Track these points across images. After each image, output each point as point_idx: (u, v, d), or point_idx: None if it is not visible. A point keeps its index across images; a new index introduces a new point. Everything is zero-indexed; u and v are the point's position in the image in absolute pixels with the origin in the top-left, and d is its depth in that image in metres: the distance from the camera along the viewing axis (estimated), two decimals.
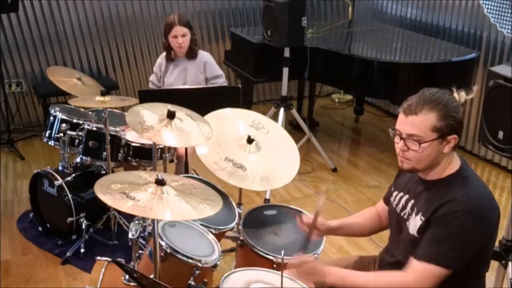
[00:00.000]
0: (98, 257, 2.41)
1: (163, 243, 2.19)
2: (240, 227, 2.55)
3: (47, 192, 3.45)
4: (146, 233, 2.53)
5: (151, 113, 2.38)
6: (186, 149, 3.45)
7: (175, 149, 3.52)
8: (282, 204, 2.81)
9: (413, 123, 1.81)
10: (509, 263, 2.48)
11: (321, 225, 2.20)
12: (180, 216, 2.06)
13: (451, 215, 1.78)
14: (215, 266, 2.30)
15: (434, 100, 1.80)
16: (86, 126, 3.41)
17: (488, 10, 4.54)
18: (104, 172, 3.53)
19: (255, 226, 2.57)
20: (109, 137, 3.31)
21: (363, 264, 2.26)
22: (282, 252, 1.81)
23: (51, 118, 3.56)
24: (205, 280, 2.30)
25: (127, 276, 2.23)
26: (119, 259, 2.07)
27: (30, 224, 3.69)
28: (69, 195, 3.33)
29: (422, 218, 1.86)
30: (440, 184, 1.87)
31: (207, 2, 5.54)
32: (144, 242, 2.65)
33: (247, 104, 4.80)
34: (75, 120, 3.50)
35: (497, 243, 2.52)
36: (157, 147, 3.33)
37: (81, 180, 3.48)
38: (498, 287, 2.59)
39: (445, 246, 1.78)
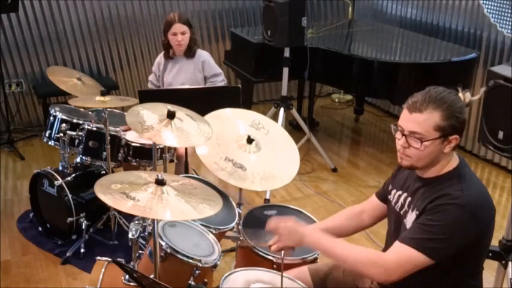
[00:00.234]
0: (98, 257, 2.41)
1: (163, 243, 2.19)
2: (240, 227, 2.55)
3: (47, 192, 3.45)
4: (146, 233, 2.53)
5: (151, 113, 2.38)
6: (186, 149, 3.45)
7: (175, 149, 3.52)
8: (282, 204, 2.81)
9: (417, 121, 1.81)
10: (509, 263, 2.48)
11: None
12: (180, 216, 2.06)
13: (442, 207, 1.78)
14: (215, 266, 2.30)
15: (440, 99, 1.80)
16: (86, 126, 3.41)
17: (488, 10, 4.54)
18: (104, 172, 3.53)
19: (255, 226, 2.57)
20: (109, 137, 3.31)
21: None
22: (282, 252, 1.82)
23: (51, 118, 3.56)
24: (205, 280, 2.30)
25: (127, 276, 2.23)
26: (119, 259, 2.07)
27: (30, 224, 3.69)
28: (69, 195, 3.33)
29: (417, 213, 1.87)
30: (437, 181, 1.87)
31: (207, 2, 5.54)
32: (144, 242, 2.65)
33: (247, 104, 4.80)
34: (75, 120, 3.50)
35: (497, 243, 2.52)
36: (157, 147, 3.33)
37: (81, 180, 3.48)
38: (498, 287, 2.59)
39: (429, 235, 1.77)
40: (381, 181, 4.37)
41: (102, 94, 3.18)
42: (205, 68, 3.74)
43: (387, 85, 4.37)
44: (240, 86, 3.99)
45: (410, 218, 1.91)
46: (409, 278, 1.82)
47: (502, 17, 4.43)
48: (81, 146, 3.42)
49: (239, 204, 2.75)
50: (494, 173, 4.59)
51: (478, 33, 4.66)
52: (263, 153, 2.55)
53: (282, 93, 4.42)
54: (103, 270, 2.31)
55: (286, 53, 4.24)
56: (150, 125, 2.31)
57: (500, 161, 4.61)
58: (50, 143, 3.58)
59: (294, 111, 4.61)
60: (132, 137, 3.47)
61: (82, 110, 3.68)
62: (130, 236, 2.48)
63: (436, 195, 1.82)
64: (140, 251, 2.54)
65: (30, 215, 3.69)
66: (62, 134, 3.41)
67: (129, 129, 3.45)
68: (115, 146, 3.44)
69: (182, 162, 3.51)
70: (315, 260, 2.41)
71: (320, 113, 5.77)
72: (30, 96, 5.22)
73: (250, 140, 2.54)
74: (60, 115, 3.52)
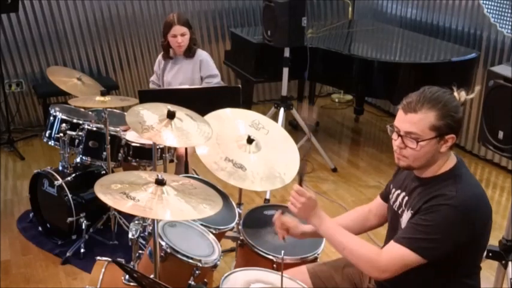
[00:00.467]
0: (98, 257, 2.41)
1: (163, 243, 2.19)
2: (240, 227, 2.55)
3: (47, 192, 3.45)
4: (146, 233, 2.53)
5: (151, 113, 2.38)
6: (186, 149, 3.45)
7: (175, 149, 3.52)
8: (282, 204, 2.81)
9: (412, 121, 1.82)
10: (509, 263, 2.48)
11: (295, 229, 2.19)
12: (180, 216, 2.06)
13: (435, 207, 1.79)
14: (215, 266, 2.30)
15: (434, 99, 1.81)
16: (86, 126, 3.41)
17: (488, 10, 4.54)
18: (104, 172, 3.53)
19: (255, 226, 2.57)
20: (109, 137, 3.31)
21: None
22: (282, 252, 1.82)
23: (51, 118, 3.56)
24: (205, 280, 2.30)
25: (127, 276, 2.23)
26: (119, 259, 2.07)
27: (30, 224, 3.69)
28: (69, 195, 3.33)
29: (412, 212, 1.88)
30: (433, 181, 1.87)
31: (207, 2, 5.54)
32: (144, 242, 2.64)
33: (247, 104, 4.80)
34: (75, 120, 3.50)
35: (497, 243, 2.52)
36: (157, 147, 3.33)
37: (81, 180, 3.48)
38: (498, 287, 2.59)
39: (422, 234, 1.78)
40: (381, 181, 4.39)
41: (102, 94, 3.18)
42: (202, 68, 3.74)
43: (387, 85, 4.37)
44: (240, 86, 3.99)
45: (405, 217, 1.92)
46: (405, 277, 1.83)
47: (502, 17, 4.43)
48: (81, 146, 3.42)
49: (239, 204, 2.75)
50: (494, 173, 4.58)
51: (478, 33, 4.66)
52: (263, 153, 2.55)
53: (282, 93, 4.43)
54: (103, 270, 2.31)
55: (286, 53, 4.24)
56: (150, 125, 2.31)
57: (500, 161, 4.61)
58: (50, 143, 3.59)
59: (294, 111, 4.61)
60: (132, 137, 3.47)
61: (82, 110, 3.68)
62: (130, 236, 2.48)
63: (431, 195, 1.83)
64: (140, 251, 2.54)
65: (30, 215, 3.69)
66: (62, 134, 3.41)
67: (129, 129, 3.45)
68: (115, 146, 3.44)
69: (182, 162, 3.51)
70: (314, 260, 2.42)
71: (320, 113, 5.76)
72: (30, 96, 5.22)
73: (250, 140, 2.53)
74: (60, 115, 3.52)
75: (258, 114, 2.75)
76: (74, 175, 3.44)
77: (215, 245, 2.37)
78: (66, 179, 3.38)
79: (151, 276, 2.05)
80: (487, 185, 4.38)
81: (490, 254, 2.46)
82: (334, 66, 4.55)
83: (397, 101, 1.90)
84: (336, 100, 6.24)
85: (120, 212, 3.45)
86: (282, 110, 4.36)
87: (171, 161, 3.55)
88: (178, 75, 3.77)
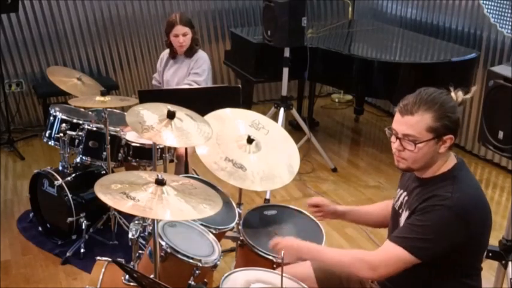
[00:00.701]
0: (98, 257, 2.41)
1: (163, 243, 2.19)
2: (240, 227, 2.55)
3: (47, 192, 3.45)
4: (146, 233, 2.53)
5: (151, 113, 2.38)
6: (186, 149, 3.45)
7: (175, 149, 3.52)
8: (282, 204, 2.81)
9: (409, 124, 1.82)
10: (509, 263, 2.48)
11: (327, 207, 2.28)
12: (180, 216, 2.06)
13: (431, 208, 1.80)
14: (215, 266, 2.30)
15: (431, 100, 1.81)
16: (86, 126, 3.41)
17: (488, 10, 4.54)
18: (104, 172, 3.53)
19: (255, 226, 2.57)
20: (109, 137, 3.31)
21: None
22: (282, 252, 1.82)
23: (51, 118, 3.56)
24: (205, 280, 2.30)
25: (127, 276, 2.23)
26: (119, 259, 2.07)
27: (30, 224, 3.69)
28: (69, 195, 3.33)
29: (409, 212, 1.90)
30: (432, 181, 1.88)
31: (207, 2, 5.54)
32: (144, 242, 2.64)
33: (247, 104, 4.80)
34: (75, 120, 3.50)
35: (497, 243, 2.52)
36: (157, 147, 3.33)
37: (81, 180, 3.48)
38: (498, 287, 2.59)
39: (417, 234, 1.80)
40: (381, 181, 4.40)
41: (102, 94, 3.18)
42: (194, 66, 3.73)
43: (387, 85, 4.37)
44: (240, 86, 3.99)
45: (403, 217, 1.94)
46: (406, 278, 1.84)
47: (502, 17, 4.43)
48: (81, 146, 3.42)
49: (239, 204, 2.75)
50: (494, 173, 4.58)
51: (478, 33, 4.66)
52: (263, 153, 2.55)
53: (282, 93, 4.42)
54: (103, 270, 2.31)
55: (286, 53, 4.24)
56: (150, 125, 2.31)
57: (500, 161, 4.61)
58: (50, 143, 3.58)
59: (294, 111, 4.61)
60: (132, 137, 3.47)
61: (82, 110, 3.68)
62: (130, 236, 2.48)
63: (428, 196, 1.83)
64: (140, 251, 2.54)
65: (30, 215, 3.69)
66: (62, 134, 3.41)
67: (129, 128, 3.45)
68: (115, 146, 3.44)
69: (182, 162, 3.51)
70: None
71: (320, 113, 5.76)
72: (30, 96, 5.22)
73: (250, 140, 2.54)
74: (60, 115, 3.52)
75: (258, 114, 2.75)
76: (74, 175, 3.44)
77: (215, 245, 2.37)
78: (66, 179, 3.38)
79: (151, 276, 2.05)
80: (487, 185, 4.38)
81: (490, 254, 2.46)
82: (334, 66, 4.55)
83: (397, 101, 1.90)
84: (336, 100, 6.24)
85: (120, 212, 3.45)
86: (282, 110, 4.36)
87: (171, 161, 3.55)
88: (176, 74, 3.78)
